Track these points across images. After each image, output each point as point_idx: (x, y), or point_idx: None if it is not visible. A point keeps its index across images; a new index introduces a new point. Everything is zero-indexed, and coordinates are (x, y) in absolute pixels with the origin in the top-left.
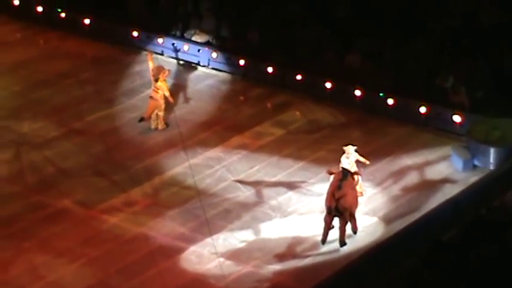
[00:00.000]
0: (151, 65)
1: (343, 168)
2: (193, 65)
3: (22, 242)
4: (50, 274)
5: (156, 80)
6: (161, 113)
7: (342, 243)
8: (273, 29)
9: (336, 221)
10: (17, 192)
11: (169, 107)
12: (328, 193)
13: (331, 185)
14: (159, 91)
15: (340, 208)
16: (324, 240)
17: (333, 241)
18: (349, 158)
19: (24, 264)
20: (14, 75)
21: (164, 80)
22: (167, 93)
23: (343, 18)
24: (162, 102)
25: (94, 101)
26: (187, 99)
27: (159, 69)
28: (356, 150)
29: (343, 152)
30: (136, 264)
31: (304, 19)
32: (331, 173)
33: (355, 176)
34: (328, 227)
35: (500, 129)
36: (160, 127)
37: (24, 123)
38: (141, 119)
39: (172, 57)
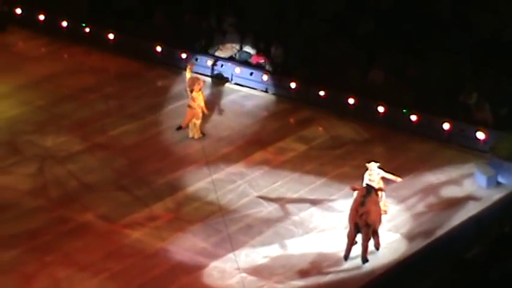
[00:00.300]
0: (188, 75)
1: (367, 185)
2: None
3: (45, 256)
4: None
5: (191, 91)
6: (198, 122)
7: (364, 260)
8: (296, 44)
9: (359, 237)
10: (41, 206)
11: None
12: (351, 209)
13: (354, 201)
14: (196, 101)
15: (362, 224)
16: (346, 257)
17: (355, 257)
18: (372, 175)
19: (46, 278)
20: (39, 90)
21: (199, 91)
22: (202, 104)
23: (366, 34)
24: (199, 111)
25: (117, 116)
26: (216, 113)
27: (193, 80)
28: (380, 167)
29: (367, 169)
30: (158, 279)
31: (328, 35)
32: (354, 189)
33: (380, 193)
34: (351, 243)
35: None
36: (196, 136)
37: (48, 138)
38: (179, 128)
39: (199, 73)
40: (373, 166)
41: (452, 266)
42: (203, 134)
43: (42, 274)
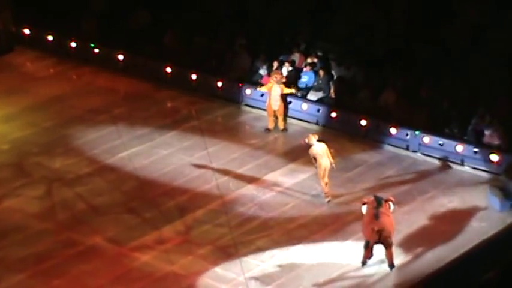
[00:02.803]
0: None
1: (375, 196)
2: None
3: (52, 280)
4: None
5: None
6: (280, 116)
7: (391, 266)
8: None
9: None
10: (48, 229)
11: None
12: (365, 223)
13: (367, 214)
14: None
15: (381, 240)
16: (364, 262)
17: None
18: (311, 144)
19: None
20: (47, 111)
21: (277, 83)
22: (286, 91)
23: (378, 56)
24: (276, 105)
25: (126, 137)
26: (226, 134)
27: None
28: (320, 140)
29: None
30: None
31: (339, 56)
32: (364, 203)
33: (389, 203)
34: (368, 255)
35: None
36: (281, 127)
37: (56, 159)
38: (267, 130)
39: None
40: (312, 139)
41: None
42: (286, 129)
43: None
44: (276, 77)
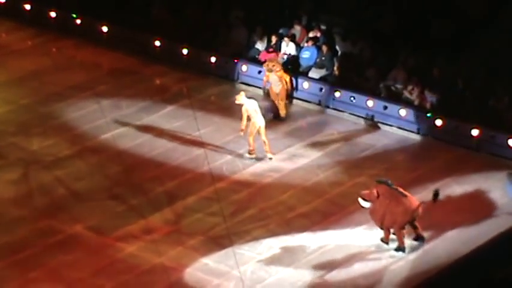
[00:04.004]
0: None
1: (381, 181)
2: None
3: (29, 271)
4: None
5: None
6: (282, 102)
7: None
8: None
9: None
10: (25, 216)
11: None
12: (393, 211)
13: (387, 200)
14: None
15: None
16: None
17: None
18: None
19: None
20: (24, 87)
21: (269, 72)
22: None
23: (387, 30)
24: (278, 88)
25: (110, 117)
26: (220, 115)
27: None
28: (250, 97)
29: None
30: None
31: (344, 31)
32: (367, 197)
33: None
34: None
35: None
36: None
37: (33, 140)
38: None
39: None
40: (242, 99)
41: (481, 286)
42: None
43: None
44: (267, 66)
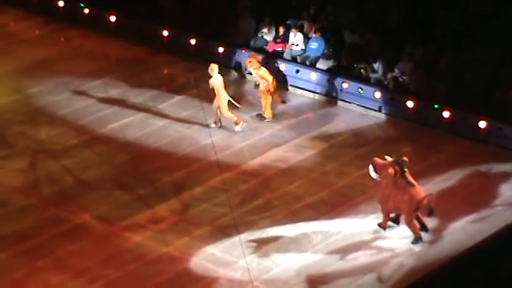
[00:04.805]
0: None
1: (394, 161)
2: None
3: (36, 260)
4: None
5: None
6: (263, 101)
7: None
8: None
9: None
10: (32, 205)
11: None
12: (400, 198)
13: (395, 185)
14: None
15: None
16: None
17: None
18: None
19: (37, 284)
20: (32, 76)
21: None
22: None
23: (394, 22)
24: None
25: (118, 107)
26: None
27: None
28: (221, 73)
29: None
30: (160, 287)
31: (352, 22)
32: (378, 169)
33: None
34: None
35: None
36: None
37: (41, 129)
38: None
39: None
40: (215, 71)
41: (486, 280)
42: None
43: (32, 280)
44: (245, 62)
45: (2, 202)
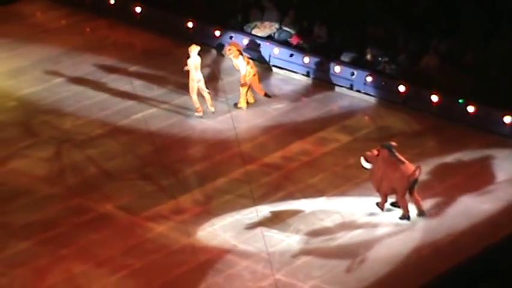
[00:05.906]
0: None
1: (382, 146)
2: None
3: (59, 249)
4: (88, 285)
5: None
6: (241, 89)
7: (423, 212)
8: (342, 24)
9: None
10: (56, 194)
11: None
12: (390, 177)
13: (385, 166)
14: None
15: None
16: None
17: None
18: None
19: (60, 273)
20: (57, 66)
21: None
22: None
23: (419, 15)
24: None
25: (143, 97)
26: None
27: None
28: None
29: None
30: (182, 278)
31: (377, 15)
32: (368, 159)
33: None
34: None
35: None
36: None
37: (66, 119)
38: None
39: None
40: (194, 52)
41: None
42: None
43: (55, 269)
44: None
45: (26, 191)
